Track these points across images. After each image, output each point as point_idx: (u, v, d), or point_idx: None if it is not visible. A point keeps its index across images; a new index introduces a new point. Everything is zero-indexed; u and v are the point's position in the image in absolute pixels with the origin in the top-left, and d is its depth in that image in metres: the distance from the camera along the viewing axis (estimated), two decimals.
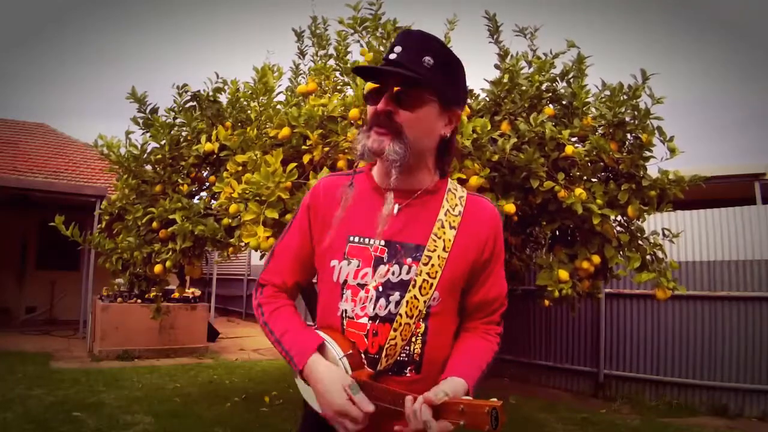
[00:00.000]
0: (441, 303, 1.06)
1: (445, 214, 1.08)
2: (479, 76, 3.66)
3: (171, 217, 3.22)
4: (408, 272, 1.04)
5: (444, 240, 1.05)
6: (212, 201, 3.42)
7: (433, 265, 1.04)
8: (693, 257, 5.38)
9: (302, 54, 4.13)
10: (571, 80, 3.41)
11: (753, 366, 4.87)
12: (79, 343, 7.71)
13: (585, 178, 3.14)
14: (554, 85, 3.43)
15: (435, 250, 1.04)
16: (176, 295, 5.38)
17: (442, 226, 1.06)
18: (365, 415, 0.98)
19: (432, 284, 1.04)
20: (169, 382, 5.53)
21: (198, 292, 8.13)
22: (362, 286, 1.06)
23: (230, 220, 2.95)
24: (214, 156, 3.46)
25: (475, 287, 1.12)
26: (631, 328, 5.63)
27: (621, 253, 3.20)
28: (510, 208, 2.93)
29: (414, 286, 1.03)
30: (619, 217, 3.30)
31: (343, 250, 1.08)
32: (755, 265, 5.01)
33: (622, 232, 3.31)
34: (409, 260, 1.05)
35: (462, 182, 2.78)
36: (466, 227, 1.08)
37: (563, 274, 3.01)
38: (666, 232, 3.41)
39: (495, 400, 0.89)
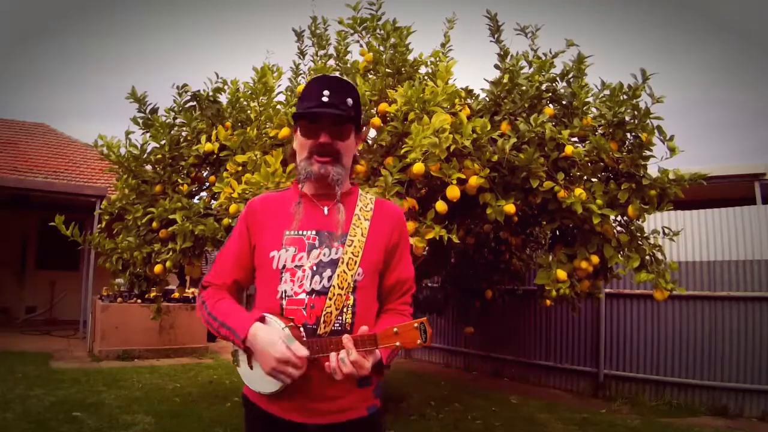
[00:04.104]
0: (365, 278, 1.30)
1: (360, 210, 1.36)
2: (479, 76, 3.67)
3: (171, 217, 3.22)
4: (336, 253, 1.28)
5: (361, 228, 1.33)
6: (212, 201, 3.42)
7: (355, 247, 1.29)
8: (693, 257, 5.37)
9: (302, 54, 4.13)
10: (571, 80, 3.41)
11: (753, 366, 4.86)
12: (79, 343, 7.71)
13: (585, 178, 3.14)
14: (554, 85, 3.43)
15: (355, 236, 1.31)
16: (176, 295, 5.39)
17: (359, 218, 1.34)
18: (302, 359, 1.16)
19: (356, 261, 1.28)
20: (169, 382, 5.53)
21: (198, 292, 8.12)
22: (299, 267, 1.27)
23: (230, 220, 2.95)
24: (214, 156, 3.46)
25: (390, 268, 1.37)
26: (631, 328, 5.63)
27: (621, 252, 3.20)
28: (510, 208, 2.92)
29: (342, 263, 1.27)
30: (619, 217, 3.30)
31: (281, 242, 1.31)
32: (755, 265, 5.01)
33: (621, 232, 3.31)
34: (336, 244, 1.29)
35: (462, 182, 2.78)
36: (376, 219, 1.36)
37: (561, 274, 3.01)
38: (666, 230, 3.41)
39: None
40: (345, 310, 1.26)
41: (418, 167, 2.55)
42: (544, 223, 3.61)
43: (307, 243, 1.29)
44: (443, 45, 3.73)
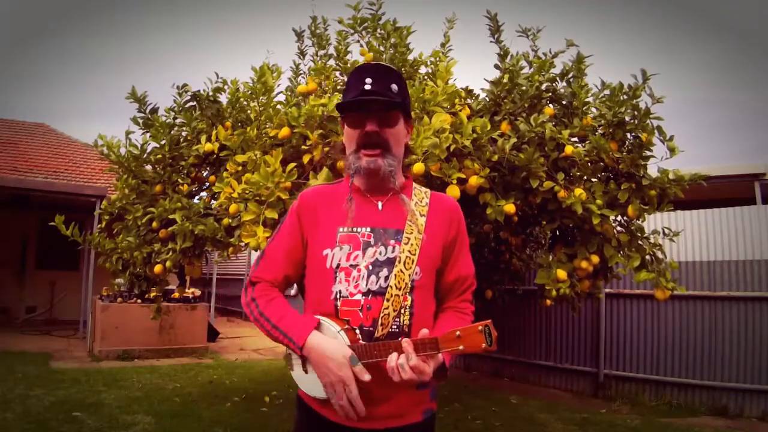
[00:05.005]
0: (423, 277, 1.24)
1: (415, 205, 1.30)
2: (479, 76, 3.66)
3: (171, 217, 3.22)
4: (393, 251, 1.23)
5: (417, 224, 1.26)
6: (212, 201, 3.42)
7: (412, 244, 1.23)
8: (693, 257, 5.37)
9: (302, 54, 4.13)
10: (571, 80, 3.41)
11: (753, 366, 4.87)
12: (79, 343, 7.71)
13: (585, 178, 3.13)
14: (554, 85, 3.43)
15: (412, 233, 1.25)
16: (176, 295, 5.38)
17: (414, 214, 1.28)
18: (364, 384, 1.12)
19: (413, 260, 1.22)
20: (169, 382, 5.53)
21: (198, 292, 8.13)
22: (354, 266, 1.22)
23: (230, 220, 2.95)
24: (214, 156, 3.45)
25: (449, 266, 1.32)
26: (631, 328, 5.63)
27: (621, 252, 3.20)
28: (510, 208, 2.92)
29: (399, 262, 1.21)
30: (619, 217, 3.30)
31: (335, 239, 1.25)
32: (755, 265, 5.01)
33: (621, 231, 3.31)
34: (392, 242, 1.24)
35: (462, 182, 2.78)
36: (433, 214, 1.31)
37: (561, 274, 3.01)
38: (666, 231, 3.41)
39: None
40: (402, 311, 1.20)
41: (418, 167, 2.55)
42: (544, 223, 3.61)
43: (362, 241, 1.24)
44: (443, 45, 3.72)
